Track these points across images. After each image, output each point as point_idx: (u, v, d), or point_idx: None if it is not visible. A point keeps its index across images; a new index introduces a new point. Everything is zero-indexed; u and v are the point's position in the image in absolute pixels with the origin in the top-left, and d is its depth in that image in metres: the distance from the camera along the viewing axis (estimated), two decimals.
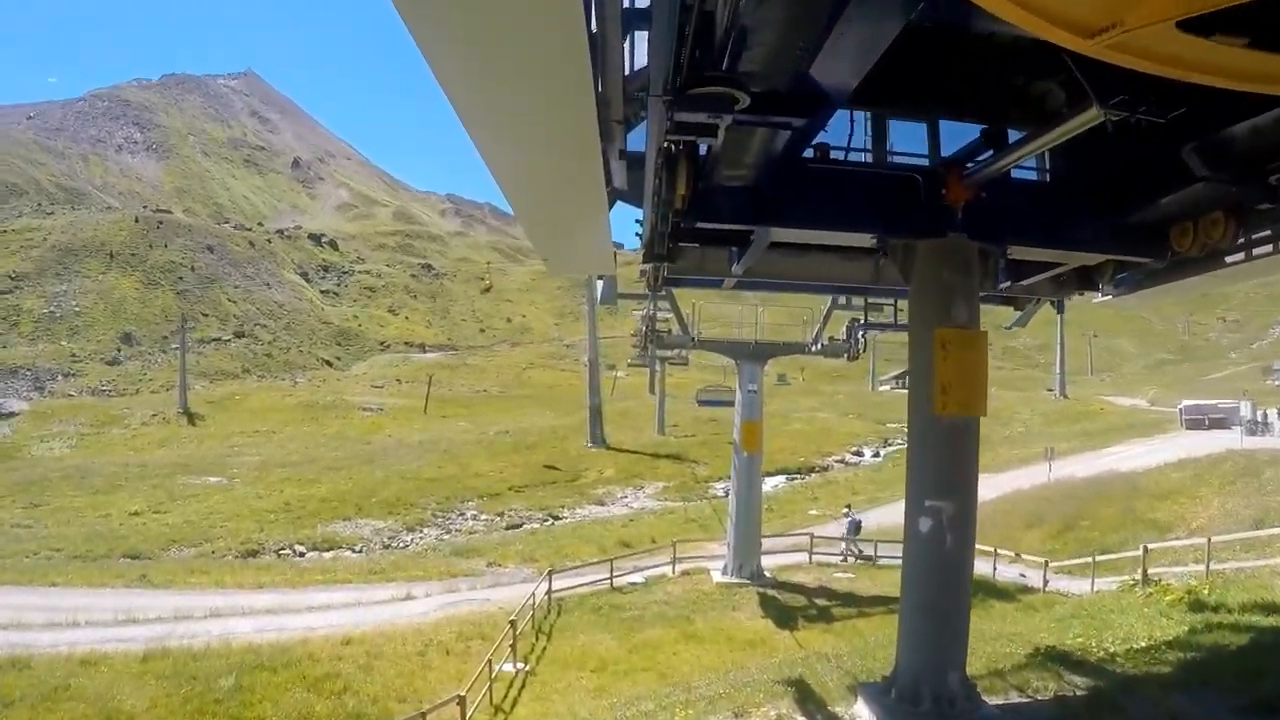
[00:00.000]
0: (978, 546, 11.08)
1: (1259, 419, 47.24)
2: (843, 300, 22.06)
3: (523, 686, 16.13)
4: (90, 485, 43.69)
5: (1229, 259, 9.82)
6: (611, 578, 23.55)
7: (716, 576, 24.43)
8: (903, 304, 18.57)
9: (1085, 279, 11.74)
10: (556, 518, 39.97)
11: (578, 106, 4.99)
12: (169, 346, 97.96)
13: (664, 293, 20.64)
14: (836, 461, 53.73)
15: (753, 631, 19.64)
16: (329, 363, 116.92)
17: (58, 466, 51.12)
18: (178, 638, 16.78)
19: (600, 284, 22.20)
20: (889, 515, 31.50)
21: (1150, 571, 19.16)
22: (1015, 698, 10.29)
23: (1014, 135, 8.21)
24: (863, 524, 28.01)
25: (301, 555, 32.29)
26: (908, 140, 9.59)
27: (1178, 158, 7.77)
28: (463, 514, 39.99)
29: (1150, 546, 20.32)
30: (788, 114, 6.40)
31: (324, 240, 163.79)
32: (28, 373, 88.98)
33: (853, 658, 13.74)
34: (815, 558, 26.75)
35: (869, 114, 9.23)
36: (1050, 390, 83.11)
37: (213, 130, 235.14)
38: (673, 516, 38.43)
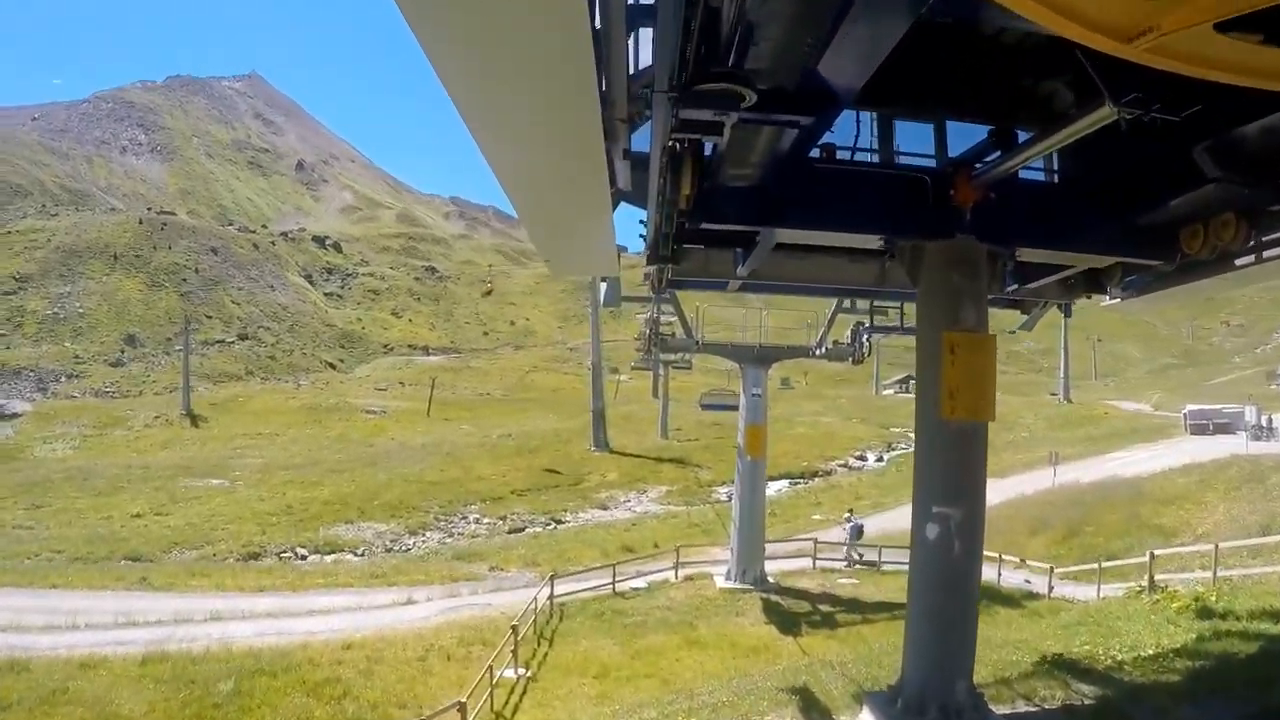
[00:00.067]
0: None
1: (1264, 424, 47.03)
2: (848, 303, 22.00)
3: (524, 693, 16.01)
4: (92, 487, 43.66)
5: (1238, 261, 9.68)
6: (614, 583, 23.46)
7: (720, 582, 24.32)
8: (909, 307, 18.49)
9: (1093, 282, 11.60)
10: (559, 522, 39.90)
11: (581, 105, 4.89)
12: (172, 348, 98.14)
13: (668, 295, 20.53)
14: (840, 466, 53.65)
15: (756, 637, 19.50)
16: (332, 365, 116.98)
17: (60, 468, 51.12)
18: (177, 641, 16.70)
19: (604, 286, 22.11)
20: (893, 521, 31.46)
21: (1156, 578, 18.99)
22: (1023, 706, 10.15)
23: (1022, 136, 8.10)
24: (864, 529, 27.89)
25: (303, 558, 32.24)
26: (914, 141, 9.49)
27: (1188, 158, 7.65)
28: (465, 517, 39.94)
29: (1156, 553, 20.15)
30: (794, 112, 6.30)
31: (328, 243, 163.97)
32: (31, 374, 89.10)
33: (857, 665, 13.60)
34: (819, 563, 26.62)
35: (875, 114, 9.13)
36: (1054, 395, 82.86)
37: (217, 132, 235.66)
38: (676, 521, 38.35)
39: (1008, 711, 9.96)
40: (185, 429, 69.11)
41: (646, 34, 6.37)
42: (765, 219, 8.98)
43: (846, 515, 29.48)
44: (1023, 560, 24.78)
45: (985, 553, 10.07)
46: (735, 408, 26.61)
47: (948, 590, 9.26)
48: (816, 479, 49.95)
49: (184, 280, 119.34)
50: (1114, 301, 12.38)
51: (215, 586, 23.84)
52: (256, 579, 25.44)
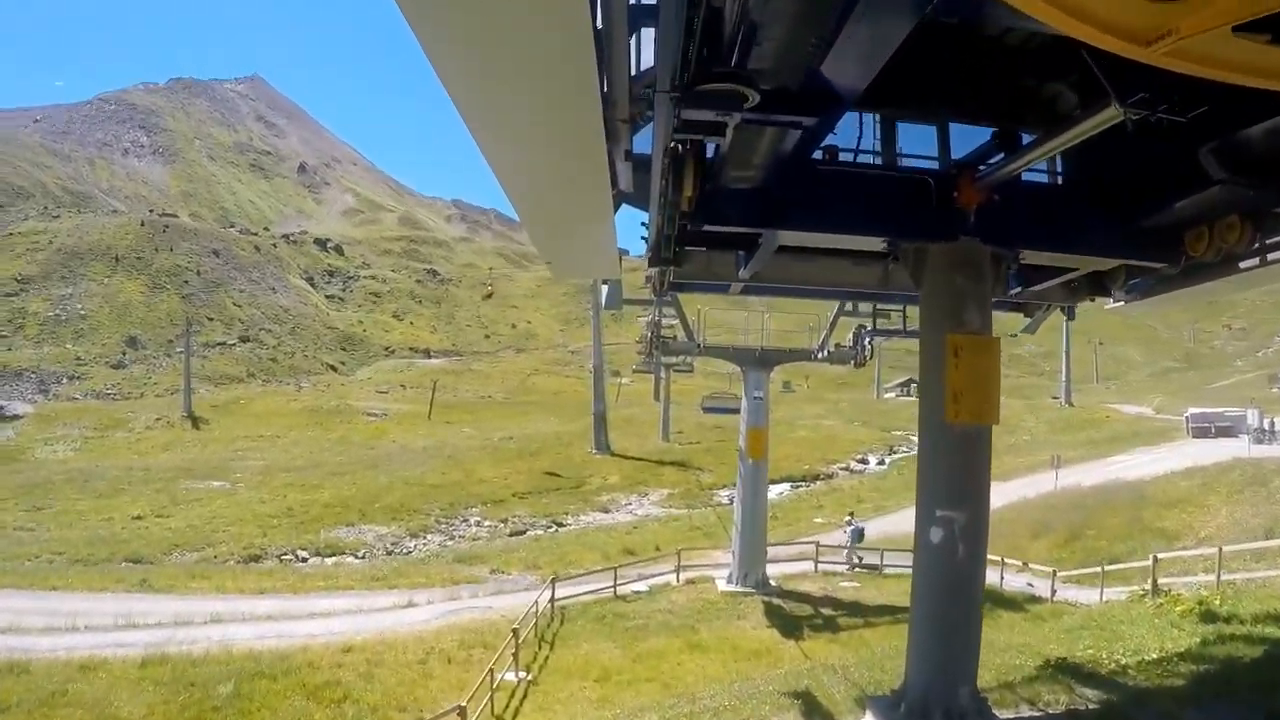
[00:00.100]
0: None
1: (1266, 427, 46.97)
2: (850, 306, 21.93)
3: (525, 696, 15.93)
4: (93, 489, 43.70)
5: (1243, 264, 9.64)
6: (615, 586, 23.38)
7: (721, 585, 24.24)
8: (911, 310, 18.41)
9: (1097, 284, 11.54)
10: (560, 524, 39.85)
11: (582, 105, 4.85)
12: (174, 350, 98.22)
13: (669, 298, 20.47)
14: (841, 469, 53.66)
15: (758, 641, 19.43)
16: (334, 368, 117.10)
17: (61, 470, 51.13)
18: (177, 643, 16.65)
19: (605, 289, 22.06)
20: (894, 524, 31.41)
21: (1159, 581, 18.94)
22: (1026, 711, 10.09)
23: (1026, 138, 8.07)
24: (865, 532, 27.81)
25: (304, 561, 32.21)
26: (917, 143, 9.46)
27: (1193, 160, 7.61)
28: (466, 520, 39.91)
29: (1159, 556, 20.10)
30: (798, 113, 6.25)
31: (329, 245, 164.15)
32: (32, 375, 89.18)
33: (859, 669, 13.55)
34: (820, 566, 26.54)
35: (878, 116, 9.10)
36: (1056, 398, 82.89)
37: (219, 135, 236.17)
38: (677, 524, 38.28)
39: (1011, 716, 9.91)
40: (186, 431, 69.15)
41: (649, 34, 6.33)
42: (768, 221, 8.94)
43: (847, 519, 29.41)
44: (1025, 563, 24.70)
45: (988, 556, 10.05)
46: (737, 410, 26.57)
47: (951, 594, 9.20)
48: (818, 482, 49.94)
49: (185, 282, 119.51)
50: (1118, 304, 12.33)
51: (216, 589, 23.80)
52: (257, 581, 25.39)
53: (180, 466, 50.87)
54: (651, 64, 6.25)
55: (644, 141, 7.86)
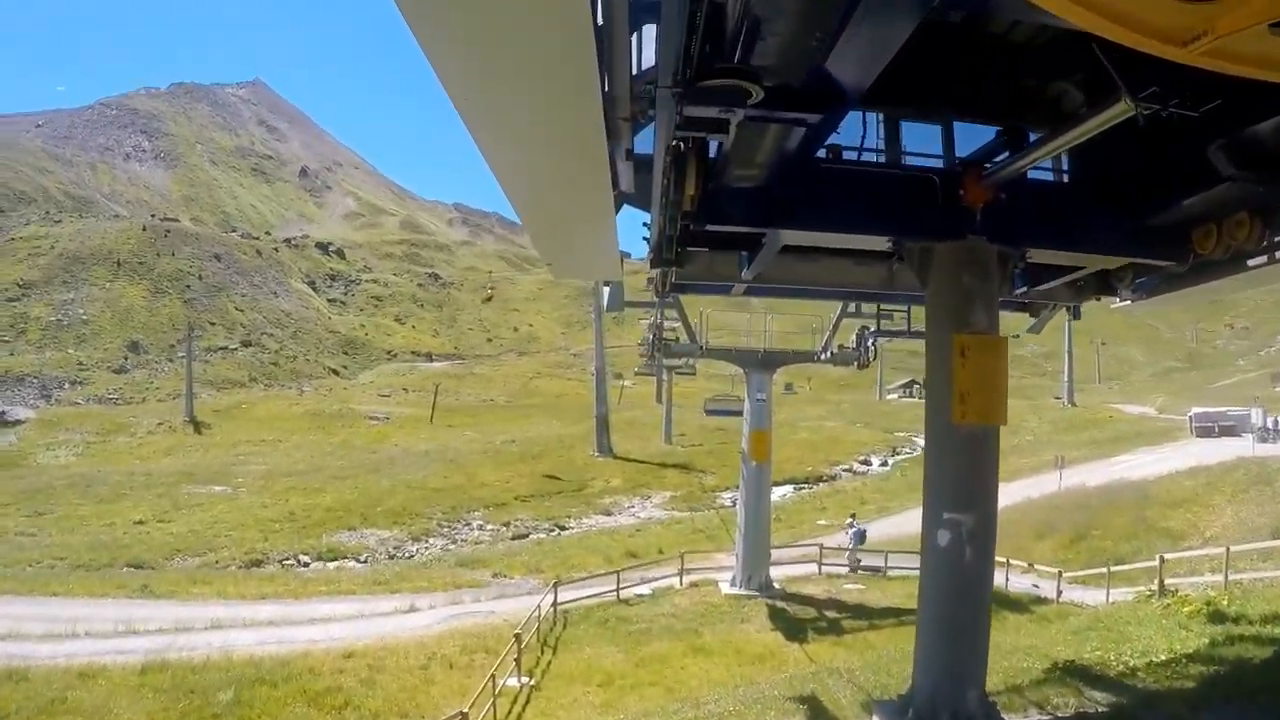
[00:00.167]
0: None
1: (1270, 426, 46.86)
2: (853, 308, 21.87)
3: (527, 702, 15.84)
4: (95, 494, 43.62)
5: (1251, 262, 9.54)
6: (618, 589, 23.28)
7: (725, 588, 24.15)
8: (916, 310, 18.34)
9: (1103, 283, 11.43)
10: (563, 528, 39.78)
11: (582, 104, 4.78)
12: (176, 355, 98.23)
13: (670, 299, 20.41)
14: (844, 471, 53.62)
15: (762, 644, 19.33)
16: (336, 371, 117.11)
17: (63, 475, 51.04)
18: (177, 650, 16.61)
19: (607, 291, 22.02)
20: (898, 526, 31.33)
21: (1166, 582, 18.83)
22: (1035, 715, 9.98)
23: (1032, 136, 7.99)
24: (867, 534, 27.69)
25: (306, 565, 32.12)
26: (921, 142, 9.37)
27: (1201, 157, 7.52)
28: (468, 524, 39.81)
29: (1166, 556, 19.98)
30: (802, 110, 6.16)
31: (331, 249, 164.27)
32: (34, 380, 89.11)
33: (865, 673, 13.42)
34: (824, 569, 26.43)
35: (881, 115, 9.02)
36: (1058, 398, 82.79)
37: (221, 139, 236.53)
38: (680, 527, 38.21)
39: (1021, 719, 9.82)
40: (188, 435, 69.14)
41: (650, 32, 6.27)
42: (771, 220, 8.84)
43: (849, 521, 29.29)
44: (1030, 565, 24.61)
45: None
46: (739, 413, 26.49)
47: (959, 597, 9.09)
48: (821, 484, 49.89)
49: (187, 287, 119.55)
50: (1124, 303, 12.22)
51: (217, 594, 23.73)
52: (258, 586, 25.34)
53: (182, 471, 50.80)
54: (653, 62, 6.18)
55: (645, 142, 7.79)
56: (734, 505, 31.26)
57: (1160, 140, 7.64)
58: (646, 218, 10.09)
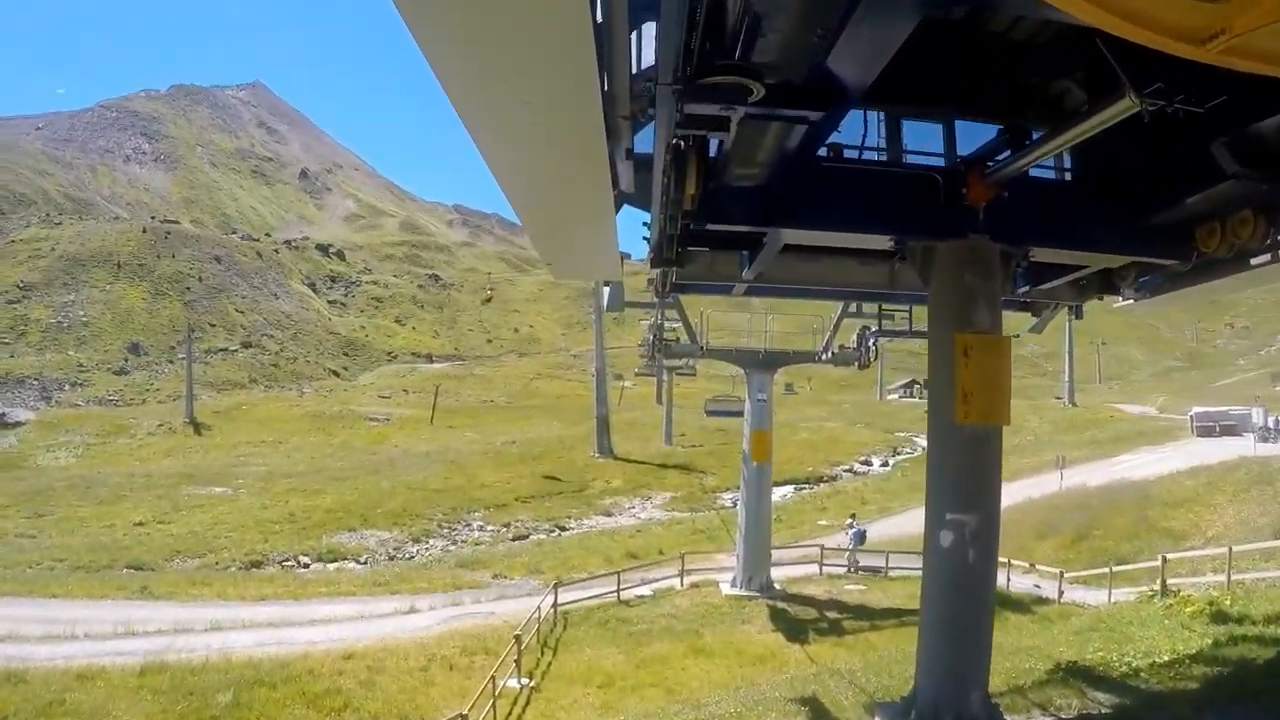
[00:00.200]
0: None
1: (1271, 425, 46.81)
2: (854, 308, 21.82)
3: (527, 703, 15.76)
4: (95, 495, 43.54)
5: (1254, 260, 9.51)
6: (618, 590, 23.21)
7: (725, 589, 24.10)
8: (917, 310, 18.29)
9: (1106, 282, 11.39)
10: (563, 529, 39.74)
11: (581, 101, 4.75)
12: (176, 356, 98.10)
13: (670, 300, 20.37)
14: (845, 471, 53.60)
15: (763, 645, 19.27)
16: (336, 373, 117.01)
17: (63, 476, 51.00)
18: (176, 651, 16.53)
19: (607, 291, 21.96)
20: (899, 526, 31.30)
21: (1168, 582, 18.78)
22: (1038, 716, 9.93)
23: (1035, 135, 7.94)
24: (866, 534, 27.62)
25: (305, 566, 32.07)
26: (922, 141, 9.35)
27: (1204, 155, 7.48)
28: (469, 525, 39.77)
29: (1167, 556, 19.93)
30: (803, 107, 6.12)
31: (331, 251, 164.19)
32: (35, 382, 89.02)
33: (867, 674, 13.38)
34: (825, 569, 26.37)
35: (882, 114, 8.98)
36: (1059, 398, 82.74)
37: (220, 141, 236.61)
38: (680, 527, 38.17)
39: None
40: (189, 437, 69.08)
41: (649, 31, 6.23)
42: (772, 219, 8.80)
43: (849, 521, 29.21)
44: (1032, 565, 24.55)
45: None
46: (740, 414, 26.45)
47: (962, 599, 9.03)
48: (822, 484, 49.85)
49: (187, 289, 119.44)
50: (1126, 302, 12.19)
51: (216, 595, 23.68)
52: (258, 588, 25.28)
53: (182, 472, 50.74)
54: (653, 61, 6.14)
55: (645, 142, 7.75)
56: (734, 506, 31.21)
57: (1163, 138, 7.60)
58: (646, 217, 10.06)
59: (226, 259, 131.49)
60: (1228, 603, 15.55)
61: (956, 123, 9.23)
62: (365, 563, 33.16)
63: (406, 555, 34.88)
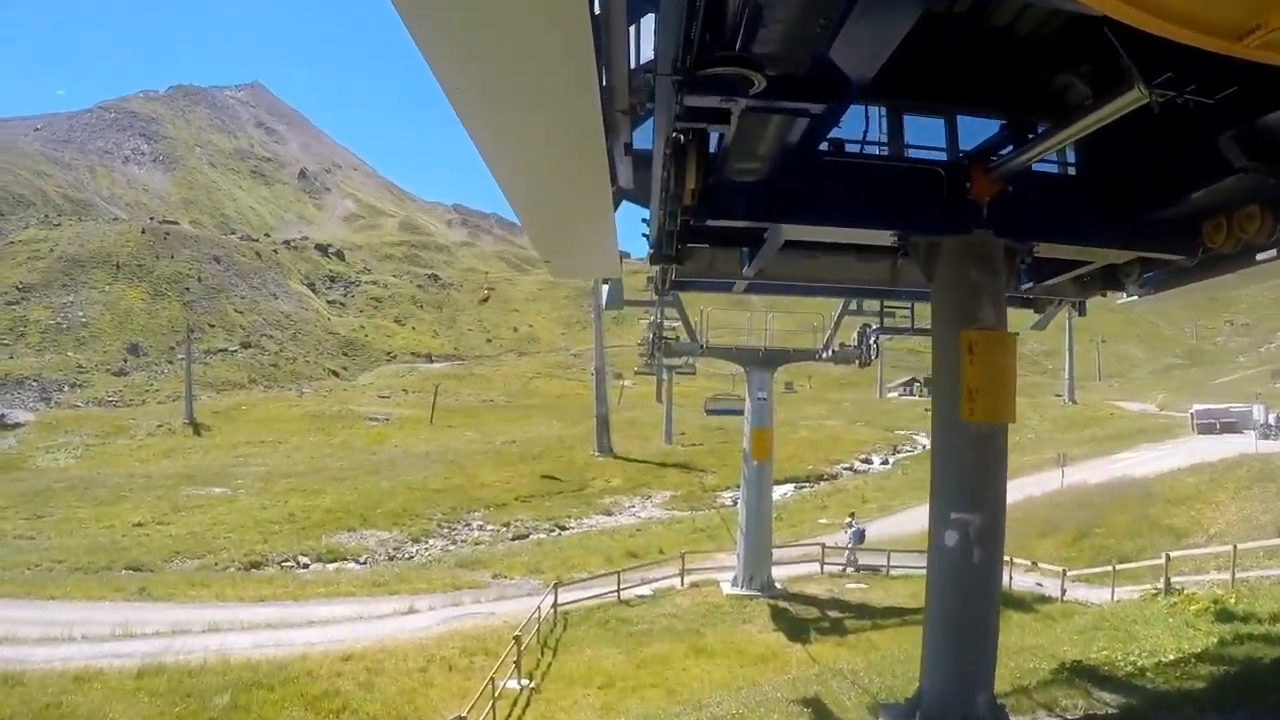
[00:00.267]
0: None
1: (1272, 422, 46.73)
2: (854, 305, 21.72)
3: (527, 705, 15.67)
4: (94, 496, 43.46)
5: (1260, 256, 9.41)
6: (619, 590, 23.14)
7: (726, 588, 24.02)
8: (920, 307, 18.20)
9: (1110, 278, 11.29)
10: (563, 528, 39.67)
11: (580, 95, 4.66)
12: (175, 357, 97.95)
13: (670, 297, 20.27)
14: (845, 469, 53.54)
15: (764, 645, 19.19)
16: (335, 373, 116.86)
17: (62, 477, 50.88)
18: (174, 653, 16.45)
19: (606, 289, 21.86)
20: (900, 525, 31.23)
21: (1171, 580, 18.69)
22: (1044, 717, 9.85)
23: (1039, 129, 7.86)
24: (865, 533, 27.53)
25: (305, 567, 32.00)
26: (923, 136, 9.26)
27: (1210, 149, 7.39)
28: (469, 525, 39.70)
29: (1170, 554, 19.84)
30: (805, 99, 6.01)
31: (330, 251, 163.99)
32: (34, 383, 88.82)
33: (869, 674, 13.29)
34: (826, 568, 26.30)
35: (884, 110, 8.89)
36: (1059, 396, 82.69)
37: (219, 141, 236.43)
38: (680, 526, 38.10)
39: None
40: (188, 438, 68.90)
41: (648, 26, 6.15)
42: (773, 215, 8.69)
43: (848, 520, 29.14)
44: (1034, 563, 24.44)
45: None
46: (741, 412, 26.38)
47: (967, 599, 8.92)
48: (822, 483, 49.77)
49: (187, 289, 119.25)
50: (1130, 298, 12.08)
51: (215, 596, 23.62)
52: (257, 588, 25.21)
53: (181, 473, 50.65)
54: (651, 55, 6.08)
55: (644, 138, 7.67)
56: (735, 505, 31.13)
57: (1169, 132, 7.52)
58: (645, 214, 9.97)
59: (225, 259, 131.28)
60: (1232, 601, 15.44)
61: (959, 118, 9.15)
62: (365, 563, 33.09)
63: (406, 555, 34.80)
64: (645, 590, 24.02)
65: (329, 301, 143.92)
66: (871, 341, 23.82)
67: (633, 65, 5.94)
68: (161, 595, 23.38)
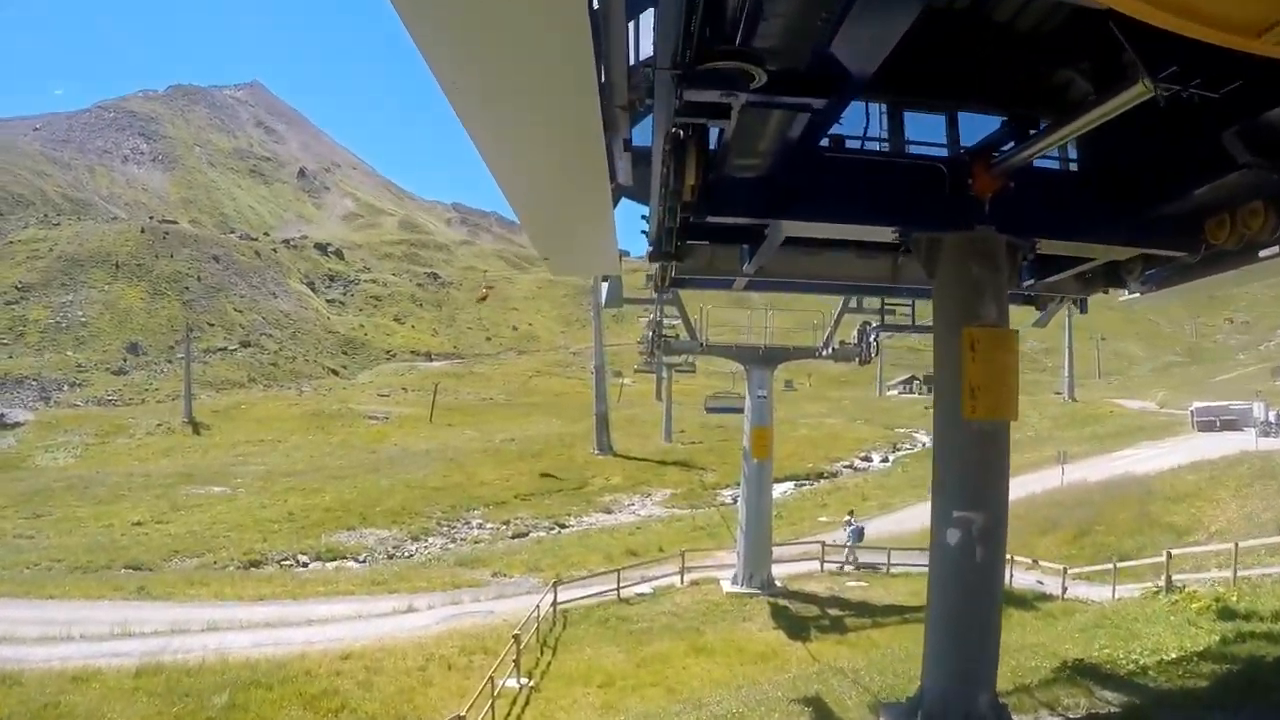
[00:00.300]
0: None
1: (1273, 420, 46.68)
2: (855, 302, 21.65)
3: (526, 703, 15.63)
4: (94, 495, 43.43)
5: (1263, 253, 9.37)
6: (618, 588, 23.12)
7: (726, 586, 23.98)
8: (921, 304, 18.13)
9: (1112, 275, 11.23)
10: (563, 526, 39.60)
11: (579, 91, 4.60)
12: (175, 356, 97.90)
13: (670, 295, 20.19)
14: (845, 467, 53.46)
15: (764, 643, 19.14)
16: (335, 372, 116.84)
17: (62, 476, 50.84)
18: (173, 652, 16.42)
19: (605, 286, 21.79)
20: (900, 523, 31.22)
21: (1172, 577, 18.63)
22: (1046, 716, 9.80)
23: (1041, 124, 7.82)
24: (864, 531, 27.50)
25: (304, 565, 31.95)
26: (924, 133, 9.25)
27: (1213, 145, 7.36)
28: (468, 523, 39.66)
29: (1172, 552, 19.79)
30: (806, 95, 5.96)
31: (330, 250, 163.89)
32: (33, 383, 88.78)
33: (870, 672, 13.24)
34: (826, 566, 26.27)
35: (885, 106, 8.85)
36: (1058, 394, 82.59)
37: (219, 141, 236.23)
38: (680, 524, 38.04)
39: None
40: (187, 437, 68.89)
41: (647, 21, 6.09)
42: (774, 211, 8.64)
43: (847, 518, 29.11)
44: (1034, 561, 24.39)
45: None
46: (741, 410, 26.34)
47: (969, 598, 8.87)
48: (822, 481, 49.70)
49: (186, 288, 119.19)
50: (1134, 296, 12.03)
51: (214, 595, 23.58)
52: (256, 587, 25.17)
53: (181, 472, 50.59)
54: (650, 51, 6.02)
55: (643, 135, 7.62)
56: (735, 503, 31.11)
57: (1172, 128, 7.48)
58: (645, 212, 9.92)
59: (225, 258, 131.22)
60: (1234, 599, 15.40)
61: (960, 115, 9.11)
62: (364, 561, 33.04)
63: (405, 553, 34.75)
64: (645, 588, 23.99)
65: (328, 300, 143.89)
66: (871, 339, 23.78)
67: (632, 61, 5.87)
68: (160, 594, 23.34)
